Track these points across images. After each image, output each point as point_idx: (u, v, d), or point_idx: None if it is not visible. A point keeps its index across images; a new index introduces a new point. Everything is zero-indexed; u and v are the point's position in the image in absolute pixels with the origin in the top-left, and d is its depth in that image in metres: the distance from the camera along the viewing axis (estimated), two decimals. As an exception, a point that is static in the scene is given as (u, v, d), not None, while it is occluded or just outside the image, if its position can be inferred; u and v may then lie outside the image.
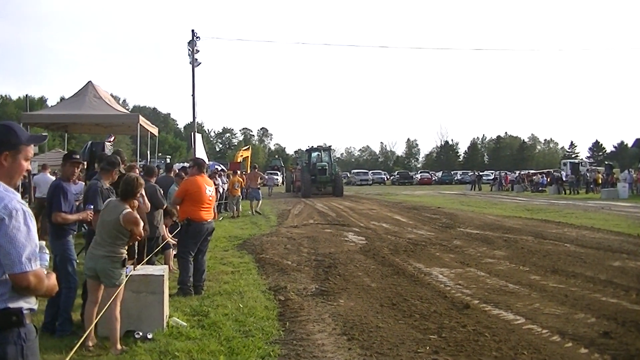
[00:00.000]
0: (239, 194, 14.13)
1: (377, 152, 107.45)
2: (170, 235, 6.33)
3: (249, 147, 41.91)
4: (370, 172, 52.02)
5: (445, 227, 10.47)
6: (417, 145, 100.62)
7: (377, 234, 9.53)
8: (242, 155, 36.43)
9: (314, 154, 25.59)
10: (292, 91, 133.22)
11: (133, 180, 3.51)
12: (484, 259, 6.84)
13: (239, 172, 20.49)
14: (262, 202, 16.36)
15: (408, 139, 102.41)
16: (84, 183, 6.08)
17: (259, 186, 14.94)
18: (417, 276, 5.75)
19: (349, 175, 56.75)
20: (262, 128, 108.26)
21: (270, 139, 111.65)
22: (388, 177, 61.72)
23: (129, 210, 3.43)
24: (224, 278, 5.83)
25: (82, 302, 3.89)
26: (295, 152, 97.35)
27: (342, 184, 24.81)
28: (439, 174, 51.83)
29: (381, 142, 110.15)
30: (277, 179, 44.16)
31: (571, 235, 8.84)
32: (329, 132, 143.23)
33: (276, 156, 63.45)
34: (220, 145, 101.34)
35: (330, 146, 26.49)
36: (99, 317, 3.27)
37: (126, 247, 3.46)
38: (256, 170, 15.30)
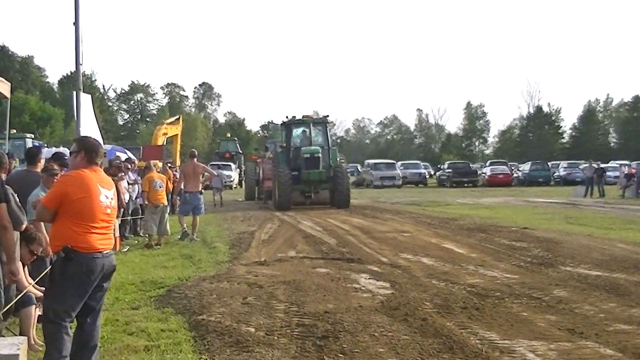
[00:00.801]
0: (164, 202, 14.18)
1: (412, 128, 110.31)
2: (33, 282, 6.23)
3: (178, 118, 42.15)
4: (400, 163, 52.42)
5: (538, 265, 10.44)
6: (484, 114, 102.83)
7: (412, 276, 9.51)
8: (165, 134, 36.71)
9: (297, 131, 26.01)
10: (258, 27, 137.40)
11: None
12: (612, 324, 6.72)
13: (161, 163, 20.53)
14: (204, 218, 16.38)
15: (468, 104, 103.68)
16: None
17: (200, 189, 15.03)
18: (488, 356, 5.70)
19: (360, 168, 57.28)
20: (203, 84, 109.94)
21: (218, 104, 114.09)
22: (432, 172, 62.37)
23: None
24: (131, 360, 5.76)
25: None
26: (263, 127, 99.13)
27: (349, 184, 25.06)
28: (525, 166, 52.07)
29: (419, 111, 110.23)
30: (231, 177, 44.81)
31: None
32: (323, 95, 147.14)
33: (228, 134, 63.59)
34: (127, 116, 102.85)
35: (326, 117, 26.60)
36: None
37: None
38: (194, 160, 15.35)
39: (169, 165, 23.88)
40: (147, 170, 14.92)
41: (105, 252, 5.06)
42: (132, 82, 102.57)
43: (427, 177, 52.93)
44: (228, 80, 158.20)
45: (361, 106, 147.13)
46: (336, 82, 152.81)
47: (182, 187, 15.34)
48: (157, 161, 20.09)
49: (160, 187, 14.12)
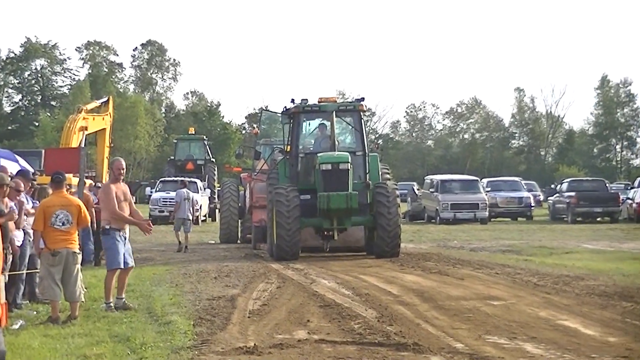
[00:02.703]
0: (70, 246, 14.12)
1: (508, 121, 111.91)
2: None
3: (107, 102, 42.15)
4: (486, 181, 52.60)
5: None
6: (630, 99, 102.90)
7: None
8: (85, 128, 36.59)
9: (310, 125, 26.51)
10: None
11: None
12: None
13: (76, 179, 20.54)
14: (150, 272, 16.35)
15: (604, 80, 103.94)
16: None
17: (146, 223, 15.02)
18: None
19: (417, 189, 56.91)
20: (149, 45, 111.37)
21: (174, 79, 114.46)
22: (541, 196, 61.06)
23: None
24: None
25: None
26: (252, 117, 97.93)
27: (399, 216, 24.96)
28: None
29: (519, 92, 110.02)
30: (195, 202, 44.30)
31: None
32: (352, 63, 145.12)
33: (191, 130, 63.65)
34: (18, 97, 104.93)
35: (360, 100, 26.62)
36: None
37: None
38: (123, 183, 15.39)
39: (93, 181, 24.00)
40: (42, 193, 14.91)
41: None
42: (27, 39, 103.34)
43: (533, 204, 52.71)
44: (190, 39, 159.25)
45: (418, 84, 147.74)
46: (375, 41, 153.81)
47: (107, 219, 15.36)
48: (71, 175, 20.19)
49: (65, 222, 14.02)
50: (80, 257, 14.65)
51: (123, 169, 15.61)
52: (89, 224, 15.95)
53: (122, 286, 15.07)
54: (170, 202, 40.48)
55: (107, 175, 38.39)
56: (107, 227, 15.28)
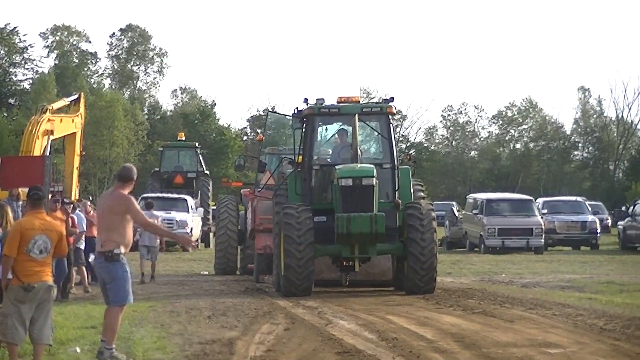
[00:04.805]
0: (45, 279, 14.24)
1: (569, 127, 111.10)
2: None
3: (77, 100, 42.26)
4: (541, 201, 52.84)
5: None
6: None
7: None
8: (50, 132, 36.65)
9: (326, 130, 26.72)
10: None
11: None
12: None
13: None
14: (132, 311, 16.46)
15: None
16: None
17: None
18: None
19: (456, 210, 56.95)
20: (129, 30, 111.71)
21: (159, 72, 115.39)
22: (609, 220, 61.04)
23: None
24: None
25: None
26: (256, 120, 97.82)
27: (435, 243, 24.95)
28: None
29: (583, 92, 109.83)
30: (184, 223, 44.07)
31: None
32: (377, 57, 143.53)
33: (180, 136, 63.72)
34: None
35: (388, 101, 26.72)
36: None
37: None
38: (122, 186, 15.53)
39: (61, 199, 24.12)
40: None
41: None
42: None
43: (599, 230, 52.63)
44: (179, 24, 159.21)
45: (458, 81, 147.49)
46: (406, 29, 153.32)
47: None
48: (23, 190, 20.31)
49: (43, 250, 14.08)
50: (55, 291, 14.72)
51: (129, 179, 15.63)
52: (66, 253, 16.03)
53: (105, 327, 14.73)
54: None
55: (77, 190, 38.61)
56: (118, 252, 15.18)
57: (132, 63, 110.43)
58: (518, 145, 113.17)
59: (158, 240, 29.33)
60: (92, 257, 23.07)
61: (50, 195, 24.27)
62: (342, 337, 16.33)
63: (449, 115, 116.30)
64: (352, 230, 23.45)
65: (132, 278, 15.56)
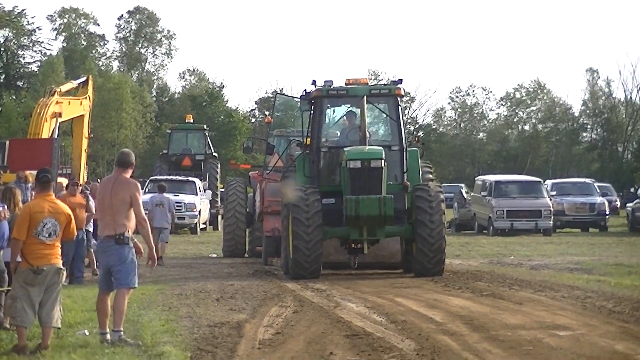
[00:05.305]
0: (54, 262, 14.23)
1: (578, 109, 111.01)
2: None
3: (86, 83, 42.19)
4: (550, 183, 52.77)
5: None
6: None
7: None
8: (58, 114, 36.62)
9: (335, 112, 26.74)
10: None
11: None
12: None
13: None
14: (138, 293, 16.38)
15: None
16: None
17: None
18: None
19: (465, 192, 56.86)
20: (137, 12, 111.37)
21: (168, 55, 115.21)
22: (617, 202, 60.96)
23: None
24: None
25: None
26: (264, 102, 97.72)
27: (443, 226, 24.91)
28: None
29: (591, 73, 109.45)
30: (192, 205, 44.04)
31: None
32: (385, 38, 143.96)
33: (188, 118, 63.56)
34: None
35: (397, 82, 26.64)
36: None
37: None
38: (123, 171, 15.50)
39: (73, 182, 24.08)
40: (6, 194, 15.00)
41: None
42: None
43: (608, 212, 52.65)
44: (187, 5, 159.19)
45: (466, 63, 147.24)
46: (414, 9, 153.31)
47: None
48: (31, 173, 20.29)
49: (52, 233, 14.09)
50: (64, 274, 14.70)
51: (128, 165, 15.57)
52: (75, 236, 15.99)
53: (115, 311, 14.59)
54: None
55: (85, 172, 38.61)
56: (128, 235, 15.00)
57: (140, 45, 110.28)
58: (526, 127, 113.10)
59: (168, 223, 29.30)
60: (92, 242, 23.07)
61: (69, 179, 24.33)
62: (350, 319, 16.35)
63: (457, 97, 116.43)
64: (360, 213, 23.47)
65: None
